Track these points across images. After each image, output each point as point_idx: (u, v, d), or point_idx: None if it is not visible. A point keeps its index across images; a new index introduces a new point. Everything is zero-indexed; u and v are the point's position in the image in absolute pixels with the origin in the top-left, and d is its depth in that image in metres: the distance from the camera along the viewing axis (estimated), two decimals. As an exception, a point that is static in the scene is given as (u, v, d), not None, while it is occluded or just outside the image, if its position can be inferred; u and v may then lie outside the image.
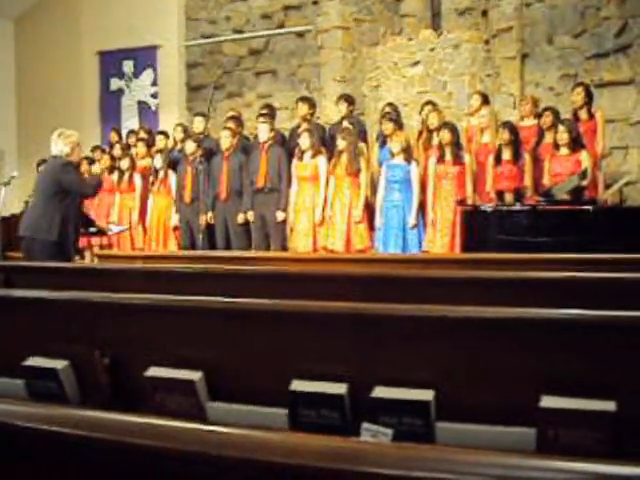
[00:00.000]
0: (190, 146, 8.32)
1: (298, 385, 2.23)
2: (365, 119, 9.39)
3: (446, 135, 7.29)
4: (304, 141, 7.66)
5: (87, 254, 9.34)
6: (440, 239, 7.27)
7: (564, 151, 6.78)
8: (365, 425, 2.08)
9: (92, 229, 7.39)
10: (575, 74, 8.45)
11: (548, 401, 1.98)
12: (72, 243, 6.13)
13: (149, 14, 11.18)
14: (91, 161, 9.68)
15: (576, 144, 6.75)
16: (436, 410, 2.10)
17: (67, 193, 5.88)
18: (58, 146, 5.98)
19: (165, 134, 9.28)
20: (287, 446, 1.19)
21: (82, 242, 9.30)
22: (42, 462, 1.48)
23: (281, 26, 10.86)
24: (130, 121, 11.51)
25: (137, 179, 8.96)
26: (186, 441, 1.26)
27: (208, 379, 2.39)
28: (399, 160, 7.39)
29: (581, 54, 8.46)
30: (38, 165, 8.82)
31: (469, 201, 7.16)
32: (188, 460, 1.26)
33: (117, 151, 9.49)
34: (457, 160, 7.33)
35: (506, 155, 7.15)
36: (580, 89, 7.29)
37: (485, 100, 8.01)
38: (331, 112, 9.53)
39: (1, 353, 2.74)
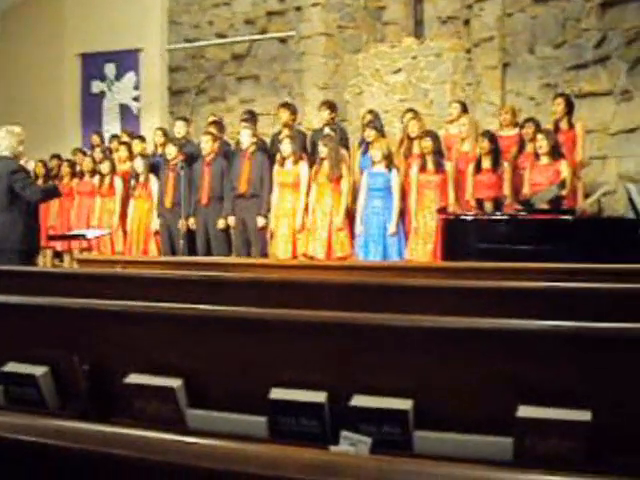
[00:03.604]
0: (171, 150, 8.29)
1: (277, 393, 2.24)
2: (347, 126, 9.41)
3: (427, 143, 7.32)
4: (285, 147, 7.66)
5: (66, 258, 9.29)
6: (423, 247, 7.30)
7: (544, 160, 6.83)
8: (344, 433, 2.09)
9: (71, 233, 7.34)
10: (555, 84, 8.54)
11: (525, 411, 2.00)
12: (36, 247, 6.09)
13: (132, 17, 11.14)
14: (72, 164, 9.64)
15: (555, 153, 6.80)
16: (415, 419, 2.11)
17: (18, 195, 5.78)
18: (10, 144, 5.83)
19: (142, 138, 9.24)
20: (267, 458, 1.20)
21: (62, 245, 9.28)
22: (19, 472, 1.47)
23: (264, 31, 10.87)
24: (111, 124, 11.47)
25: (117, 183, 8.91)
26: (165, 452, 1.26)
27: (188, 386, 2.39)
28: (380, 168, 7.41)
29: (561, 64, 8.55)
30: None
31: (451, 209, 7.19)
32: (167, 471, 1.26)
33: (98, 154, 9.46)
34: (439, 168, 7.36)
35: (486, 164, 7.20)
36: (560, 100, 7.36)
37: (464, 109, 8.06)
38: (313, 118, 9.55)
39: (-21, 359, 2.72)
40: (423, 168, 7.39)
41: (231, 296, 3.27)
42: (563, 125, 7.30)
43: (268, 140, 8.59)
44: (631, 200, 5.99)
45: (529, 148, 7.19)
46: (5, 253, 5.70)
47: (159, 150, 8.84)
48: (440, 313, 2.34)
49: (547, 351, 2.10)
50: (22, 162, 5.95)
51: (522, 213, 6.46)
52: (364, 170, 7.67)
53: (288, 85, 10.74)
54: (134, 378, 2.42)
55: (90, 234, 7.90)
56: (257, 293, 3.46)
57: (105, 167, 8.94)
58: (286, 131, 8.12)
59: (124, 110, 11.53)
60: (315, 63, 10.23)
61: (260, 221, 7.81)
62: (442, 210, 7.15)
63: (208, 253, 8.02)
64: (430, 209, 7.32)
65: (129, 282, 3.93)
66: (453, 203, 7.34)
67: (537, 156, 6.89)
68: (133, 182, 8.69)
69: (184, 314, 2.52)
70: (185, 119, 9.03)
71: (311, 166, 7.71)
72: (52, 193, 6.55)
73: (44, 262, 9.28)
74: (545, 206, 6.48)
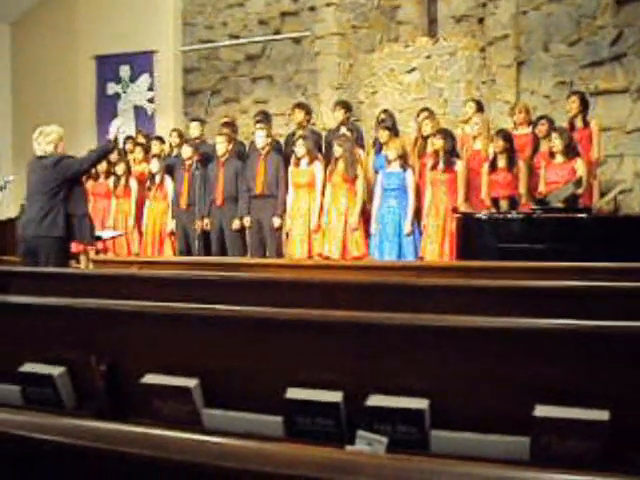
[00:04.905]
0: (187, 151, 8.32)
1: (294, 393, 2.24)
2: (361, 125, 9.39)
3: (438, 142, 7.30)
4: (300, 148, 7.66)
5: (82, 259, 9.32)
6: (431, 245, 7.28)
7: (559, 159, 6.79)
8: (360, 433, 2.09)
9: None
10: (570, 82, 8.49)
11: (542, 410, 1.99)
12: (86, 232, 6.05)
13: (146, 19, 11.18)
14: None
15: (570, 152, 6.76)
16: (431, 418, 2.11)
17: (64, 183, 5.79)
18: (41, 146, 5.87)
19: (161, 139, 9.28)
20: (283, 457, 1.20)
21: (77, 247, 9.31)
22: (36, 471, 1.48)
23: (278, 32, 10.87)
24: (126, 126, 11.50)
25: (133, 184, 8.95)
26: (182, 451, 1.27)
27: (204, 386, 2.39)
28: (395, 167, 7.40)
29: (576, 62, 8.50)
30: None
31: (461, 208, 7.15)
32: (184, 470, 1.27)
33: (113, 156, 9.48)
34: (449, 167, 7.33)
35: (501, 163, 7.16)
36: (575, 97, 7.32)
37: (479, 107, 8.03)
38: (327, 118, 9.54)
39: (-3, 359, 2.74)
40: (434, 166, 7.37)
41: (247, 296, 3.28)
42: (578, 123, 7.26)
43: (283, 140, 8.60)
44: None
45: (544, 146, 7.16)
46: (44, 240, 5.72)
47: (174, 151, 8.87)
48: (456, 312, 2.34)
49: (564, 350, 2.09)
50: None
51: (538, 212, 6.42)
52: (378, 170, 7.66)
53: (302, 85, 10.73)
54: (150, 378, 2.43)
55: (105, 235, 7.93)
56: (272, 293, 3.46)
57: (120, 168, 8.97)
58: (300, 131, 8.13)
59: (139, 111, 11.57)
60: (329, 63, 10.23)
61: (276, 221, 7.83)
62: (456, 209, 7.12)
63: (223, 253, 8.03)
64: (438, 208, 7.31)
65: (145, 283, 3.95)
66: (462, 202, 7.30)
67: (552, 155, 6.85)
68: (149, 183, 8.72)
69: (200, 314, 2.53)
70: (200, 120, 9.05)
71: (326, 166, 7.71)
72: (102, 150, 6.38)
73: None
74: (561, 205, 6.44)
